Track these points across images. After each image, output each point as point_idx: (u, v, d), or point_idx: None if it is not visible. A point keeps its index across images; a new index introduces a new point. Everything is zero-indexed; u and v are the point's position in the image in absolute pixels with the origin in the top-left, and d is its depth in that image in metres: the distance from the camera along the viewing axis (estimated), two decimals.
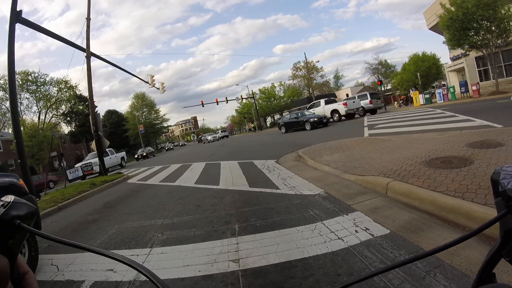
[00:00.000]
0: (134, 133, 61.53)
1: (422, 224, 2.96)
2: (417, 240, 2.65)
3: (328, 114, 24.76)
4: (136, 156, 42.80)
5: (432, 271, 2.13)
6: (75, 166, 22.94)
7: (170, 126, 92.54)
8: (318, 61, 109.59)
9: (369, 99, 25.38)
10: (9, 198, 0.56)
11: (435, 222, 2.99)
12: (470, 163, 4.26)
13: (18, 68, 52.07)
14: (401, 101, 33.86)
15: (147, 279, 0.56)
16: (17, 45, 11.37)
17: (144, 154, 42.02)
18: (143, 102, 68.00)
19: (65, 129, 55.86)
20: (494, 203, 0.51)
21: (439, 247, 0.50)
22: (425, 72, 38.85)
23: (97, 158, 17.43)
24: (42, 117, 48.11)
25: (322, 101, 27.07)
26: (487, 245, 2.35)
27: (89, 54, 16.90)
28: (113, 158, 28.45)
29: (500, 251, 0.50)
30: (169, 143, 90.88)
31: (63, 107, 51.71)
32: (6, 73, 11.56)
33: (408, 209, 3.44)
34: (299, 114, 24.91)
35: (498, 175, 0.50)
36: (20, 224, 0.53)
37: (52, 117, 51.32)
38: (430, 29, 35.64)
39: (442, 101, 25.35)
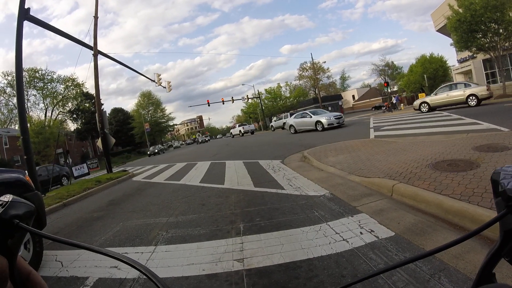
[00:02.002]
0: (139, 131, 61.83)
1: (427, 227, 2.94)
2: (422, 243, 2.64)
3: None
4: None
5: (437, 274, 2.12)
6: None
7: (176, 124, 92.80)
8: (325, 62, 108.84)
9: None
10: (8, 197, 0.56)
11: (440, 225, 2.97)
12: (476, 166, 4.24)
13: (26, 65, 52.71)
14: (385, 108, 33.73)
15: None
16: (25, 42, 11.57)
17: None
18: (149, 101, 68.39)
19: (71, 126, 56.48)
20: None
21: (439, 247, 0.50)
22: (432, 74, 38.65)
23: None
24: (48, 114, 48.73)
25: (237, 125, 40.82)
26: None
27: (96, 52, 17.01)
28: None
29: (500, 251, 0.50)
30: (171, 141, 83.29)
31: (70, 104, 52.37)
32: (13, 69, 11.64)
33: (414, 212, 3.43)
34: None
35: (498, 175, 0.51)
36: (19, 223, 0.53)
37: (58, 114, 51.97)
38: (437, 31, 35.51)
39: None
